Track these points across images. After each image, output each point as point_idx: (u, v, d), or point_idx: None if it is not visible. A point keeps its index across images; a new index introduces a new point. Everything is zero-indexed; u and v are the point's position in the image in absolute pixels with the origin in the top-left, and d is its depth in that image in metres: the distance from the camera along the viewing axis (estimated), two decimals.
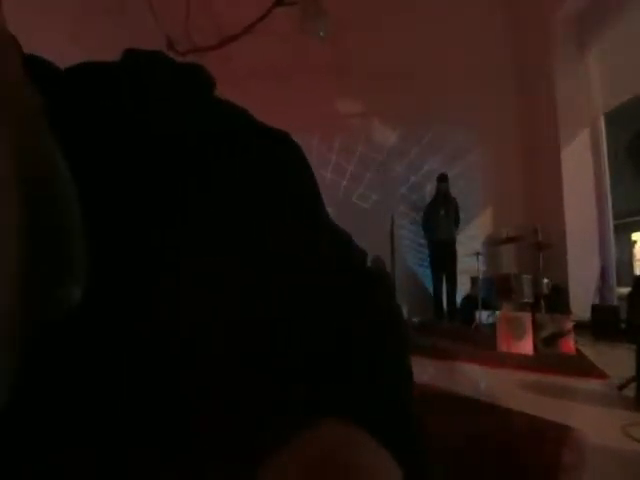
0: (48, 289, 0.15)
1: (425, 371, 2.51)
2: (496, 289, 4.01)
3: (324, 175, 5.40)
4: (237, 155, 0.24)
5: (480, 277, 4.24)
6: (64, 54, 0.38)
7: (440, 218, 4.65)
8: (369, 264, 0.29)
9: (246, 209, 0.23)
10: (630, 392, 1.92)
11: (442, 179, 4.75)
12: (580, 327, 3.32)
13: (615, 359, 2.55)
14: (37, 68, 0.20)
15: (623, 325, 3.53)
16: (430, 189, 5.06)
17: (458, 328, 3.97)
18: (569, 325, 2.92)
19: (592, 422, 1.73)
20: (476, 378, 2.51)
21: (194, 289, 0.20)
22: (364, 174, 5.63)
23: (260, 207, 0.24)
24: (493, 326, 3.23)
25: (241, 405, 0.20)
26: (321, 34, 4.61)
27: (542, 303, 3.85)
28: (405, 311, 4.80)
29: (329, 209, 0.29)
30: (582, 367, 2.56)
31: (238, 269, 0.21)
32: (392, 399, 0.22)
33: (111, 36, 3.84)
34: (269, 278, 0.22)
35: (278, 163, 0.26)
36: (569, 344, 2.86)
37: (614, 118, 5.18)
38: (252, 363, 0.21)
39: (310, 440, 0.17)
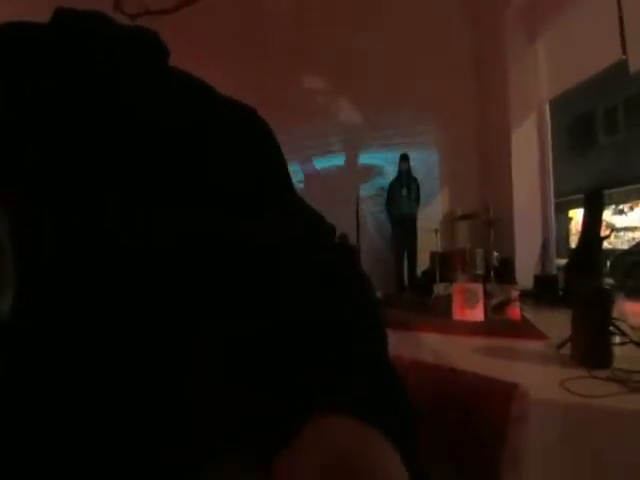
0: None
1: (390, 341, 2.65)
2: (452, 263, 4.27)
3: (290, 153, 5.29)
4: (205, 133, 0.22)
5: (438, 252, 4.48)
6: None
7: (402, 197, 4.78)
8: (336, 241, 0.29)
9: (218, 189, 0.22)
10: (567, 351, 2.17)
11: (404, 159, 4.85)
12: (524, 295, 3.66)
13: (554, 322, 2.84)
14: None
15: (561, 292, 3.95)
16: (392, 169, 5.15)
17: (418, 300, 4.19)
18: (515, 294, 3.20)
19: (535, 378, 1.94)
20: (435, 345, 2.69)
21: (164, 290, 0.19)
22: (329, 152, 5.60)
23: (233, 184, 0.22)
24: (449, 297, 3.44)
25: (244, 404, 0.19)
26: None
27: (492, 274, 4.17)
28: None
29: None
30: (526, 330, 2.85)
31: (211, 255, 0.20)
32: (388, 386, 0.22)
33: None
34: (245, 260, 0.21)
35: (247, 140, 0.25)
36: (515, 311, 3.15)
37: (557, 104, 5.55)
38: (249, 361, 0.20)
39: (324, 439, 0.17)
